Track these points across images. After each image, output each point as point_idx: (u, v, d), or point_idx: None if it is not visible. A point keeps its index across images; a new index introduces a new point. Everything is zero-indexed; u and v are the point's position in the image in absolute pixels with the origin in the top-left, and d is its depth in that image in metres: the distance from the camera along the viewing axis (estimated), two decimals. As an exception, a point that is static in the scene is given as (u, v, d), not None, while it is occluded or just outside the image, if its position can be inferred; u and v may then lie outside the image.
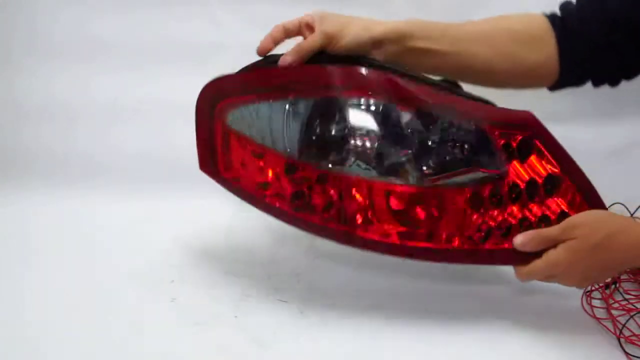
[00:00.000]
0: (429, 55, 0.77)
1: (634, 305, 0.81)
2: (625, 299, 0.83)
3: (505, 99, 0.79)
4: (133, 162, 1.00)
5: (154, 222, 0.93)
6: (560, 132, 1.07)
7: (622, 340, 0.76)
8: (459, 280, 0.85)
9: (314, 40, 0.74)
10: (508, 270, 0.87)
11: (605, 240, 0.71)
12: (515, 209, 0.73)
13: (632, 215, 0.94)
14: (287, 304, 0.79)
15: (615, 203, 0.95)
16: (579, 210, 0.73)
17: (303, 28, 0.76)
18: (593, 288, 0.84)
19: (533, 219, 0.73)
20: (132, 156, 1.01)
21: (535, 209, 0.73)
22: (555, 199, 0.73)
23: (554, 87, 0.84)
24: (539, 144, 0.73)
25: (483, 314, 0.79)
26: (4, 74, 1.01)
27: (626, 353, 0.75)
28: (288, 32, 0.76)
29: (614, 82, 0.84)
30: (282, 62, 0.74)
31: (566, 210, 0.73)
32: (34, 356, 0.70)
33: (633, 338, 0.76)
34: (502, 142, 0.72)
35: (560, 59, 0.81)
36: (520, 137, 0.72)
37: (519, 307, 0.81)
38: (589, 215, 0.72)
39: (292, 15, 1.02)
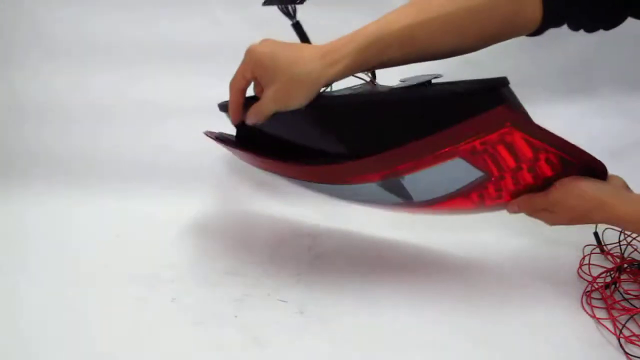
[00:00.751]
0: (392, 64, 0.76)
1: (634, 305, 0.81)
2: (625, 299, 0.83)
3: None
4: (133, 162, 1.00)
5: (154, 222, 0.93)
6: (560, 132, 1.07)
7: (622, 340, 0.76)
8: (459, 281, 0.85)
9: (269, 109, 0.73)
10: (508, 270, 0.88)
11: (582, 217, 0.74)
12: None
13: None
14: (287, 304, 0.79)
15: (615, 203, 0.95)
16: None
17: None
18: (593, 288, 0.84)
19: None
20: (132, 156, 1.01)
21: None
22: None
23: (538, 30, 0.79)
24: (519, 132, 0.69)
25: (483, 314, 0.79)
26: (4, 74, 1.01)
27: (626, 353, 0.75)
28: (245, 90, 0.77)
29: (589, 27, 0.79)
30: (248, 121, 0.75)
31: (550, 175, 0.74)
32: (33, 356, 0.70)
33: (633, 338, 0.76)
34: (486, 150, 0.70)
35: (543, 2, 0.76)
36: (496, 134, 0.69)
37: (518, 307, 0.81)
38: (567, 192, 0.73)
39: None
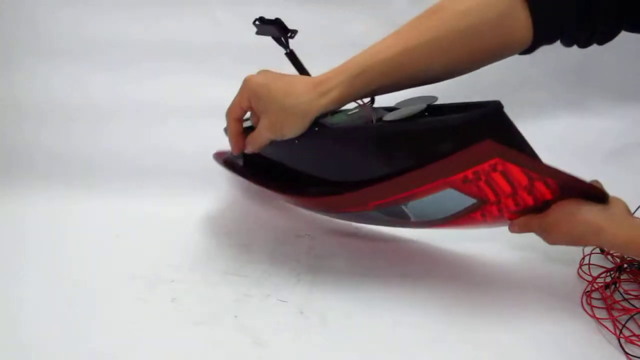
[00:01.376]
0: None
1: (634, 305, 0.81)
2: (625, 299, 0.83)
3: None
4: (133, 162, 1.00)
5: (154, 222, 0.93)
6: (560, 132, 1.07)
7: (622, 340, 0.76)
8: (459, 281, 0.85)
9: (264, 138, 0.75)
10: (508, 270, 0.88)
11: (579, 240, 0.75)
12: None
13: (632, 215, 0.94)
14: (287, 304, 0.79)
15: (615, 203, 0.95)
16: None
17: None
18: (593, 288, 0.84)
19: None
20: (132, 156, 1.01)
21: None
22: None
23: (530, 47, 0.77)
24: (509, 163, 0.69)
25: (483, 314, 0.79)
26: (3, 74, 1.00)
27: (626, 353, 0.75)
28: (241, 119, 0.79)
29: (582, 43, 0.78)
30: (246, 150, 0.77)
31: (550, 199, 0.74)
32: (33, 356, 0.70)
33: (633, 338, 0.76)
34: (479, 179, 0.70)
35: (533, 22, 0.74)
36: (487, 164, 0.69)
37: (518, 307, 0.81)
38: (564, 215, 0.73)
39: (292, 15, 1.03)
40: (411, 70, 0.74)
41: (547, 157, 0.92)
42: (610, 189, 1.00)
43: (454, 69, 0.76)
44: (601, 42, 0.78)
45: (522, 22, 0.74)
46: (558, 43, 0.79)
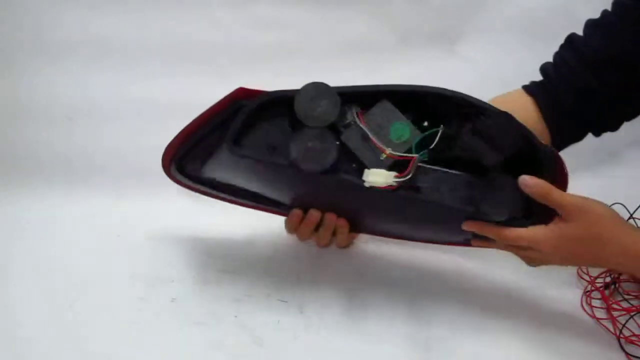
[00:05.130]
0: None
1: (634, 305, 0.82)
2: (625, 299, 0.83)
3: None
4: (133, 162, 1.00)
5: (154, 222, 0.93)
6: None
7: (622, 340, 0.76)
8: (459, 281, 0.85)
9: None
10: (507, 270, 0.88)
11: (605, 237, 0.68)
12: None
13: (631, 215, 0.94)
14: (287, 304, 0.79)
15: (615, 203, 0.95)
16: None
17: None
18: (593, 288, 0.84)
19: None
20: (133, 156, 1.01)
21: None
22: None
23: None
24: None
25: (483, 314, 0.79)
26: (5, 74, 1.00)
27: (626, 353, 0.75)
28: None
29: (613, 127, 0.82)
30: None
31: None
32: (33, 355, 0.70)
33: (633, 338, 0.76)
34: None
35: (545, 120, 0.80)
36: None
37: (518, 307, 0.81)
38: (600, 206, 0.69)
39: (292, 15, 1.03)
40: None
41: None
42: (611, 189, 1.00)
43: None
44: (629, 119, 0.82)
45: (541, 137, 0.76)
46: (565, 36, 0.82)
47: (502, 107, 0.71)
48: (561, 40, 0.83)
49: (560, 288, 0.85)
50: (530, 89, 0.81)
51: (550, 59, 0.84)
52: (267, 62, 1.03)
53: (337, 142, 0.70)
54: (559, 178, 0.70)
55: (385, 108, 0.72)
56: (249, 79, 1.02)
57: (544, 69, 0.82)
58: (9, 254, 0.86)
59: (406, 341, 0.75)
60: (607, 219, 0.69)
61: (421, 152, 0.70)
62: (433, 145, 0.70)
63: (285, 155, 0.71)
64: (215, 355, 0.72)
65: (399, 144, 0.71)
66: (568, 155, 0.97)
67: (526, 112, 0.79)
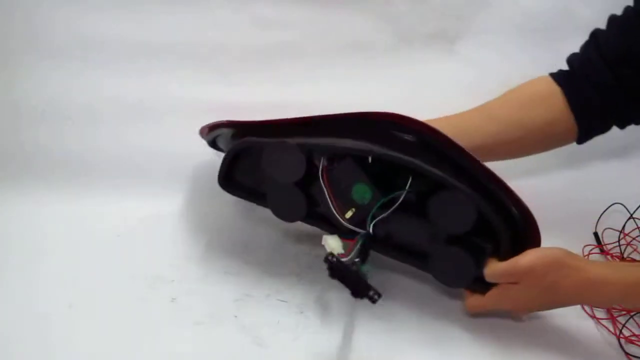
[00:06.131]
0: None
1: (633, 305, 0.82)
2: (625, 299, 0.83)
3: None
4: (133, 162, 1.00)
5: (154, 222, 0.93)
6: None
7: (622, 340, 0.76)
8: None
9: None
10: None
11: (552, 285, 0.71)
12: None
13: (632, 215, 0.94)
14: (287, 304, 0.79)
15: (615, 203, 0.95)
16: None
17: None
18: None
19: None
20: (132, 156, 1.01)
21: None
22: None
23: (580, 140, 0.85)
24: None
25: (482, 314, 0.79)
26: (2, 74, 1.00)
27: (626, 353, 0.75)
28: None
29: (638, 119, 0.83)
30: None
31: None
32: (33, 355, 0.70)
33: (633, 338, 0.76)
34: None
35: (573, 110, 0.81)
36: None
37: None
38: (538, 258, 0.71)
39: (292, 15, 1.02)
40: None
41: (547, 156, 0.92)
42: (611, 189, 1.00)
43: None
44: None
45: (568, 130, 0.83)
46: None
47: (531, 94, 0.81)
48: (561, 41, 0.83)
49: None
50: (558, 78, 0.83)
51: (549, 59, 0.85)
52: (267, 62, 1.03)
53: (304, 197, 0.75)
54: (532, 233, 0.73)
55: (348, 166, 0.74)
56: (249, 79, 1.03)
57: (571, 60, 0.83)
58: (8, 254, 0.86)
59: (406, 341, 0.75)
60: (554, 267, 0.70)
61: (377, 205, 0.73)
62: (396, 205, 0.73)
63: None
64: (215, 355, 0.72)
65: (362, 205, 0.74)
66: (568, 155, 0.98)
67: (554, 100, 0.81)
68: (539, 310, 0.76)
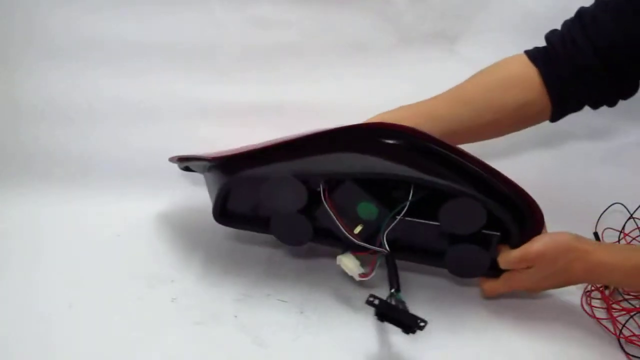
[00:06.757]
0: None
1: (633, 305, 0.82)
2: (625, 299, 0.83)
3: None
4: (132, 162, 1.00)
5: (153, 222, 0.93)
6: (560, 132, 1.07)
7: (622, 340, 0.76)
8: (459, 281, 0.85)
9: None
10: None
11: (563, 268, 0.75)
12: None
13: (631, 215, 0.94)
14: (287, 304, 0.79)
15: (615, 203, 0.95)
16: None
17: None
18: (593, 288, 0.84)
19: None
20: (132, 156, 1.01)
21: None
22: None
23: (553, 119, 0.85)
24: None
25: (483, 314, 0.79)
26: (3, 74, 1.00)
27: (626, 353, 0.75)
28: None
29: (610, 103, 0.84)
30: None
31: None
32: (34, 355, 0.70)
33: (633, 338, 0.76)
34: None
35: (549, 93, 0.81)
36: None
37: (519, 307, 0.81)
38: (548, 244, 0.74)
39: (292, 15, 1.02)
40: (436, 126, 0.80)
41: (547, 156, 0.92)
42: (611, 189, 1.00)
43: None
44: (625, 97, 0.83)
45: (542, 111, 0.83)
46: None
47: (506, 75, 0.81)
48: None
49: (560, 288, 0.84)
50: (534, 57, 0.82)
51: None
52: (267, 62, 1.03)
53: (309, 221, 0.75)
54: (536, 224, 0.75)
55: (348, 188, 0.74)
56: (249, 79, 1.03)
57: (549, 37, 0.83)
58: (8, 254, 0.86)
59: (405, 341, 0.75)
60: (563, 251, 0.74)
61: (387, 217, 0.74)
62: (401, 215, 0.74)
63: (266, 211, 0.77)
64: (215, 355, 0.72)
65: (369, 221, 0.74)
66: (568, 155, 0.98)
67: (530, 82, 0.81)
68: (550, 289, 0.80)
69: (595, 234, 0.93)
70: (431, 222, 0.75)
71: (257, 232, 0.80)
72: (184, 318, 0.76)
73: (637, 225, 0.94)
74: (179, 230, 0.92)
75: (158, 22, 1.01)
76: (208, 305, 0.78)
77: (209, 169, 0.81)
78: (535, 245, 0.74)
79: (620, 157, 1.09)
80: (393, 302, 0.69)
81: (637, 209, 0.94)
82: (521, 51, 0.85)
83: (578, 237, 0.75)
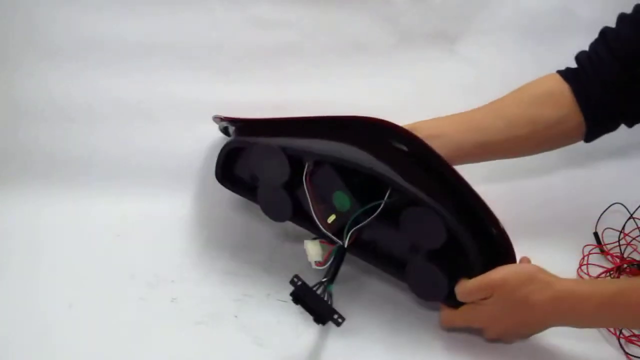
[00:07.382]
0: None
1: (633, 305, 0.81)
2: (625, 299, 0.83)
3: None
4: (132, 162, 1.00)
5: (154, 222, 0.93)
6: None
7: (622, 340, 0.76)
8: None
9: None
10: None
11: (524, 299, 0.70)
12: None
13: (631, 215, 0.94)
14: (287, 304, 0.79)
15: (615, 203, 0.95)
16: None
17: None
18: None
19: None
20: (131, 156, 1.01)
21: None
22: None
23: (588, 138, 0.84)
24: None
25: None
26: (2, 74, 1.00)
27: (626, 353, 0.75)
28: None
29: None
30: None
31: None
32: (34, 355, 0.70)
33: (633, 338, 0.76)
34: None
35: (581, 108, 0.81)
36: None
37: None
38: (510, 272, 0.71)
39: (292, 15, 1.02)
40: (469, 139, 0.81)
41: (548, 157, 0.92)
42: (611, 189, 1.00)
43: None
44: None
45: (576, 128, 0.82)
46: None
47: (540, 92, 0.80)
48: (561, 40, 0.83)
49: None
50: (566, 76, 0.83)
51: (549, 59, 0.85)
52: (267, 62, 1.03)
53: (290, 199, 0.76)
54: (508, 255, 0.73)
55: (327, 173, 0.74)
56: (249, 79, 1.03)
57: (579, 57, 0.83)
58: (8, 254, 0.86)
59: (405, 341, 0.75)
60: (525, 281, 0.70)
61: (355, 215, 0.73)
62: (374, 215, 0.73)
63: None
64: (215, 355, 0.72)
65: (342, 212, 0.74)
66: (568, 154, 0.98)
67: (563, 98, 0.81)
68: (514, 337, 0.75)
69: (595, 234, 0.93)
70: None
71: (249, 199, 0.83)
72: (184, 318, 0.76)
73: (637, 225, 0.94)
74: (179, 230, 0.92)
75: (158, 22, 1.01)
76: (208, 305, 0.78)
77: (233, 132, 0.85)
78: (497, 273, 0.71)
79: (621, 157, 1.09)
80: (319, 291, 0.70)
81: (637, 209, 0.94)
82: (521, 52, 0.85)
83: (543, 270, 0.72)
